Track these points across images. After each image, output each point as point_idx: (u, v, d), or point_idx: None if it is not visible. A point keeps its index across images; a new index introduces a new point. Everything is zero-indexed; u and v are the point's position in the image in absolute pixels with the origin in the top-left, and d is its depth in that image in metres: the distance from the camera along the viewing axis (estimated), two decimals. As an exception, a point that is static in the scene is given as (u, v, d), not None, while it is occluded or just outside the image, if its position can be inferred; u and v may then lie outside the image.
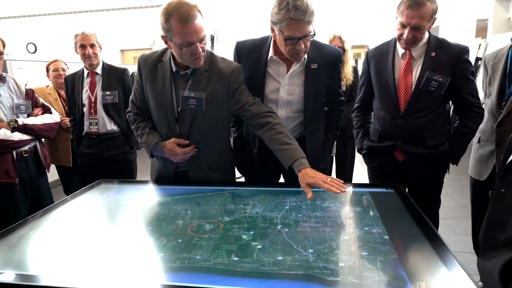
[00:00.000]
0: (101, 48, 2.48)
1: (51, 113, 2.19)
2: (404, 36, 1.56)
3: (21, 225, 1.29)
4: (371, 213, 1.28)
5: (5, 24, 8.80)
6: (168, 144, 1.58)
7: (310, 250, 1.04)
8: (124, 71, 2.50)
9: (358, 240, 1.10)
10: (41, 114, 2.13)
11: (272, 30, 1.52)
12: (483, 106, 1.81)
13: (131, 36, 9.15)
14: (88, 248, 1.12)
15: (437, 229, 1.85)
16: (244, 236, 1.15)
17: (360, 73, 2.65)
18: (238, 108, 1.58)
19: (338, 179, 1.32)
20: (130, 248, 1.12)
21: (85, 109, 2.47)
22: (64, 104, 2.77)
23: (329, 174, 2.87)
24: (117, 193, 1.61)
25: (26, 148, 2.00)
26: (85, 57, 2.39)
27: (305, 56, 1.58)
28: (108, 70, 2.47)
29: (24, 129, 1.95)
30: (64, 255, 1.08)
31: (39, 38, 8.63)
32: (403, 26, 1.55)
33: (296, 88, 1.65)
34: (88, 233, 1.23)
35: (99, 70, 2.45)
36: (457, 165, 1.71)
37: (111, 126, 2.49)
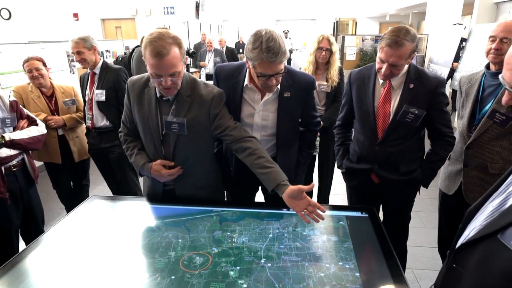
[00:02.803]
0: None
1: (37, 124, 2.19)
2: (382, 71, 1.63)
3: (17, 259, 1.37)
4: (346, 245, 1.42)
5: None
6: (155, 165, 1.67)
7: (290, 290, 1.19)
8: (117, 71, 2.66)
9: (333, 277, 1.25)
10: (27, 126, 2.13)
11: (247, 61, 1.57)
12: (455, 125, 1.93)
13: (112, 5, 8.75)
14: (85, 285, 1.22)
15: (407, 239, 2.03)
16: (231, 273, 1.27)
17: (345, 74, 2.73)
18: (219, 132, 1.66)
19: (319, 207, 1.42)
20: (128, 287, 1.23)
21: (86, 105, 2.75)
22: (47, 101, 2.76)
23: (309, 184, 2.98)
24: (109, 214, 1.70)
25: (14, 162, 2.03)
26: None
27: (278, 86, 1.65)
28: (105, 70, 2.66)
29: (11, 144, 1.98)
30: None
31: (14, 3, 8.16)
32: (382, 61, 1.62)
33: (270, 114, 1.74)
34: (82, 267, 1.31)
35: (97, 70, 2.66)
36: (427, 188, 1.85)
37: (103, 122, 2.72)
